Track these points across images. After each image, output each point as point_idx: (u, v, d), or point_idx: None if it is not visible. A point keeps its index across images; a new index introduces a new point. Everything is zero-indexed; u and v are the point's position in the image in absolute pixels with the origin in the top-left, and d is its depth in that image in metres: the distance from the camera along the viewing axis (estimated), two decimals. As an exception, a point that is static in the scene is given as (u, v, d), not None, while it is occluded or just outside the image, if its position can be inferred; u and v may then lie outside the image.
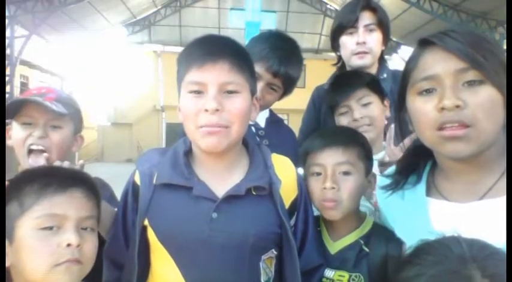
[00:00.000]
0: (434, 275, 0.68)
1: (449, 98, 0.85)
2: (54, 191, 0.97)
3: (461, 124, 0.85)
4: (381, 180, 1.13)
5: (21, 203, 0.95)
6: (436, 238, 0.75)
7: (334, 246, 1.21)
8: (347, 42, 1.75)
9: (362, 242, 1.18)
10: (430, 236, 0.82)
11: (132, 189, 1.13)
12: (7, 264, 0.95)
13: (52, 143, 1.32)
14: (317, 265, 1.16)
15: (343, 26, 1.76)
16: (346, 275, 1.15)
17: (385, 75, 1.79)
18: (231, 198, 1.05)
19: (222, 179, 1.09)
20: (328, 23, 20.15)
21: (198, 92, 1.03)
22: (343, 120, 1.53)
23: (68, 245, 0.93)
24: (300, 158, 1.28)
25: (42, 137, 1.31)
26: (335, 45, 1.84)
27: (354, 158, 1.20)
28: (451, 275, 0.67)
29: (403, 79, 0.98)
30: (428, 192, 1.01)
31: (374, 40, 1.73)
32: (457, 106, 0.84)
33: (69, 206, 0.97)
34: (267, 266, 1.08)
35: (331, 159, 1.19)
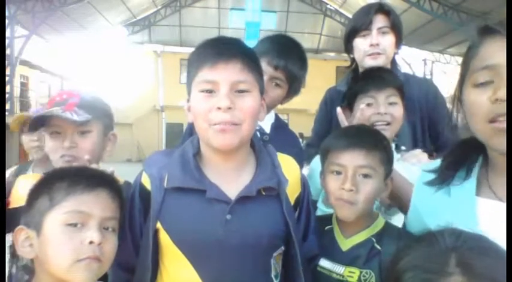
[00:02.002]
0: (414, 257, 0.72)
1: (504, 88, 0.80)
2: (82, 189, 1.01)
3: None
4: (423, 176, 1.08)
5: (52, 198, 1.00)
6: (438, 228, 0.77)
7: (346, 243, 1.22)
8: (360, 44, 1.78)
9: (374, 239, 1.19)
10: None
11: (140, 192, 1.14)
12: (32, 255, 1.00)
13: (82, 150, 1.32)
14: (316, 253, 1.22)
15: (356, 28, 1.78)
16: (356, 271, 1.16)
17: None
18: (243, 199, 1.08)
19: (231, 180, 1.11)
20: (328, 23, 20.20)
21: (210, 91, 1.05)
22: (366, 111, 1.52)
23: (90, 242, 0.96)
24: (320, 154, 1.31)
25: (72, 147, 1.31)
26: (349, 48, 1.86)
27: (375, 162, 1.20)
28: (428, 259, 0.70)
29: (462, 69, 0.94)
30: (479, 190, 0.94)
31: (387, 42, 1.75)
32: None
33: (95, 205, 1.00)
34: (276, 262, 1.13)
35: (353, 160, 1.19)
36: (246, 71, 1.06)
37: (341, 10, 19.30)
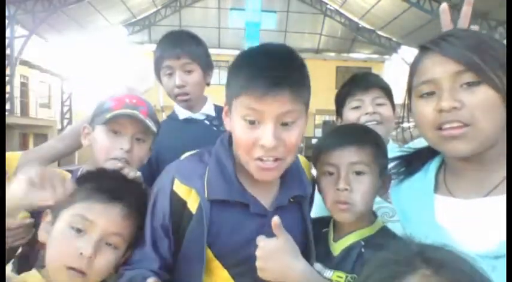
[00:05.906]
0: (380, 259, 0.71)
1: (446, 99, 0.90)
2: (98, 197, 1.00)
3: (459, 124, 0.90)
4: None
5: (73, 196, 1.01)
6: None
7: (336, 247, 1.19)
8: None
9: (363, 243, 1.15)
10: (435, 230, 0.94)
11: (171, 199, 1.06)
12: (44, 240, 1.02)
13: (135, 156, 1.28)
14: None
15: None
16: (343, 276, 1.13)
17: None
18: (277, 209, 1.08)
19: (264, 190, 1.10)
20: (328, 23, 20.17)
21: (253, 122, 0.98)
22: (353, 114, 1.55)
23: (81, 254, 0.96)
24: (312, 156, 1.29)
25: (129, 152, 1.26)
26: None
27: (368, 158, 1.16)
28: (394, 265, 0.67)
29: (408, 83, 1.03)
30: (437, 188, 1.04)
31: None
32: (454, 107, 0.89)
33: (103, 216, 1.00)
34: None
35: (344, 158, 1.15)
36: (295, 101, 0.97)
37: (341, 10, 19.27)
